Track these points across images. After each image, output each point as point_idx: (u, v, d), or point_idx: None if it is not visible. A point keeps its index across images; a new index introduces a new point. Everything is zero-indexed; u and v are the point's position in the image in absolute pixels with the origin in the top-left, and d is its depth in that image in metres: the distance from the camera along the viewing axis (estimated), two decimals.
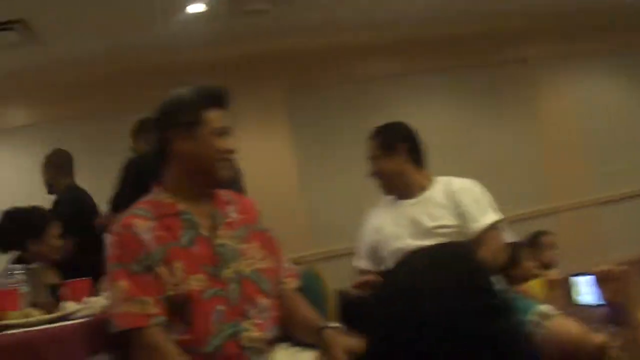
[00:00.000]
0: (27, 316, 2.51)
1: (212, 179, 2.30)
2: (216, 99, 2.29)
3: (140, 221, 2.16)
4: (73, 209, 5.30)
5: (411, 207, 3.20)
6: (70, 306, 2.74)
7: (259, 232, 2.42)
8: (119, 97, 7.87)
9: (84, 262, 4.00)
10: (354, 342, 2.09)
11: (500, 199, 7.85)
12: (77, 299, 2.85)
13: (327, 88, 8.24)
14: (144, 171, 4.31)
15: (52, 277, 3.59)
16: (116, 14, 6.59)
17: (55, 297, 2.98)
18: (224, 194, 2.41)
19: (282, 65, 8.07)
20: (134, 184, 4.10)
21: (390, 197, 3.33)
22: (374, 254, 3.26)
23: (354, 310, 2.85)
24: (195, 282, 2.14)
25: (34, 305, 2.66)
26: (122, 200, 4.08)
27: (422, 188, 3.24)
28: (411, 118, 8.02)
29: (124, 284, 2.08)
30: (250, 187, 8.07)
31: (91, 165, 7.30)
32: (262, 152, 8.04)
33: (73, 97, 7.86)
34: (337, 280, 7.61)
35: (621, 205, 8.85)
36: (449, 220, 3.10)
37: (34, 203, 4.85)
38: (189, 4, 6.65)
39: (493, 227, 3.14)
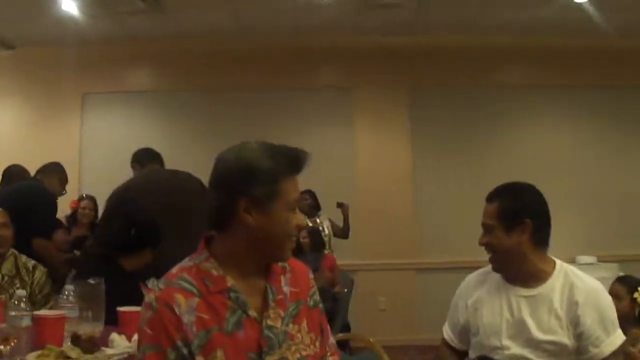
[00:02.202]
0: (62, 356, 2.33)
1: (277, 255, 2.00)
2: (294, 167, 1.96)
3: (183, 297, 1.88)
4: None
5: (520, 300, 2.63)
6: (116, 343, 2.56)
7: (309, 309, 2.10)
8: (239, 73, 7.77)
9: None
10: None
11: (623, 238, 7.45)
12: (128, 333, 2.65)
13: (453, 91, 7.85)
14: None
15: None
16: None
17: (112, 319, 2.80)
18: (276, 265, 2.09)
19: (408, 61, 7.76)
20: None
21: (496, 275, 2.78)
22: (463, 332, 2.80)
23: None
24: None
25: (76, 338, 2.48)
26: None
27: (539, 278, 2.64)
28: (535, 133, 7.87)
29: None
30: (363, 183, 7.98)
31: (203, 141, 7.29)
32: (379, 148, 7.82)
33: (194, 69, 7.86)
34: (436, 294, 7.37)
35: None
36: (562, 337, 2.54)
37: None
38: None
39: (615, 353, 2.61)
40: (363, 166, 7.70)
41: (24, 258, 3.84)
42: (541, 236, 2.66)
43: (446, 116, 7.82)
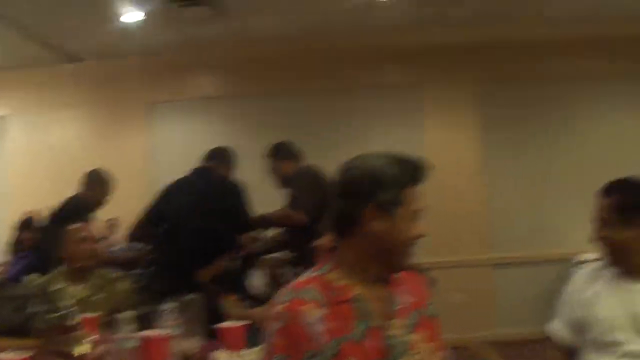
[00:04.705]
0: None
1: (396, 263, 2.00)
2: (418, 176, 1.96)
3: (312, 308, 1.87)
4: None
5: (629, 295, 2.63)
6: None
7: (428, 319, 2.08)
8: (305, 76, 7.74)
9: None
10: None
11: None
12: (233, 347, 2.61)
13: (523, 84, 7.68)
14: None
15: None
16: None
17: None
18: (398, 274, 2.07)
19: (476, 56, 7.61)
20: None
21: (601, 268, 2.75)
22: (578, 328, 2.73)
23: None
24: None
25: (185, 358, 2.44)
26: None
27: None
28: (608, 124, 7.63)
29: None
30: (434, 181, 7.74)
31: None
32: (449, 145, 7.72)
33: (259, 73, 7.79)
34: (513, 289, 7.25)
35: None
36: None
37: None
38: None
39: None
40: (433, 163, 7.52)
41: (107, 270, 3.92)
42: None
43: (516, 110, 7.66)
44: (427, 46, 7.55)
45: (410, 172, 1.97)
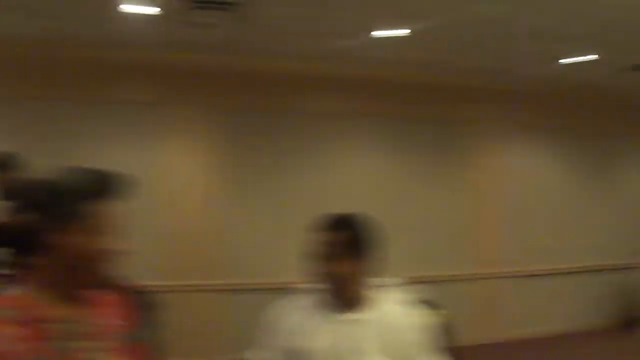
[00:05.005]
0: None
1: (86, 280, 1.93)
2: (107, 190, 1.92)
3: (4, 327, 1.79)
4: None
5: (341, 326, 2.72)
6: None
7: (130, 342, 2.05)
8: (49, 83, 7.24)
9: None
10: None
11: (419, 258, 7.92)
12: None
13: (262, 115, 7.92)
14: None
15: None
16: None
17: None
18: (101, 294, 2.03)
19: (217, 83, 7.71)
20: None
21: (313, 298, 2.84)
22: (290, 357, 2.80)
23: None
24: None
25: None
26: None
27: (364, 302, 2.79)
28: (341, 160, 8.16)
29: None
30: (167, 204, 7.47)
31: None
32: (183, 168, 7.70)
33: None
34: (238, 315, 7.38)
35: (542, 282, 9.02)
36: (380, 358, 2.71)
37: None
38: (126, 3, 6.07)
39: None
40: (167, 186, 7.47)
41: None
42: (375, 263, 2.77)
43: (255, 139, 7.87)
44: (169, 67, 7.50)
45: (100, 185, 1.92)
